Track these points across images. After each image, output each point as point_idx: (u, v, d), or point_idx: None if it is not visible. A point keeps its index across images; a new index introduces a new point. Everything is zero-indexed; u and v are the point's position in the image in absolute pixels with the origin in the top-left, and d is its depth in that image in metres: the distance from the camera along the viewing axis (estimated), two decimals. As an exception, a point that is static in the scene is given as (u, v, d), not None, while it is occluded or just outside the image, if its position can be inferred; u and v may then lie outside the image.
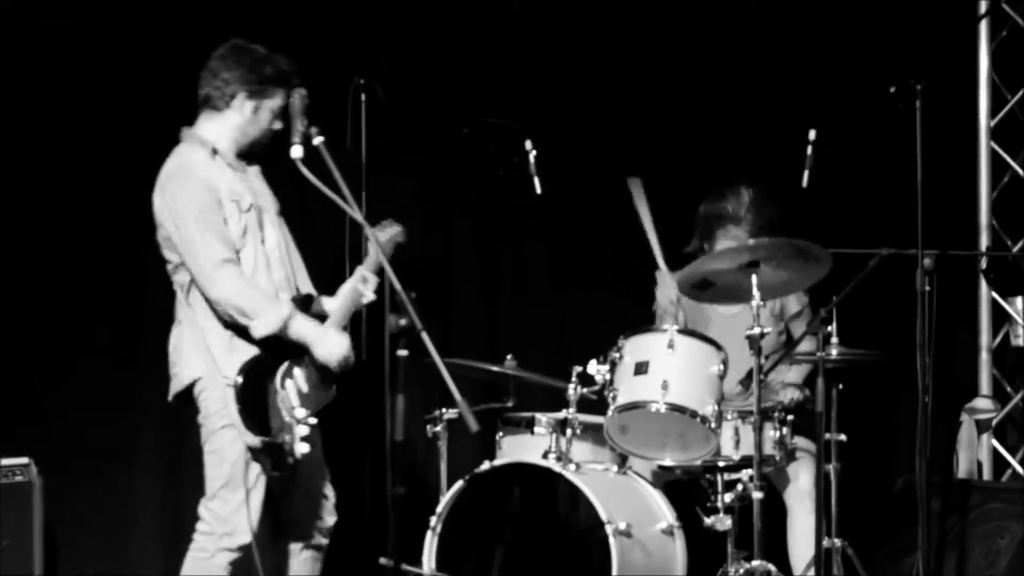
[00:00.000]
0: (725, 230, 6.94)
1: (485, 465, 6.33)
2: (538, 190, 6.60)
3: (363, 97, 6.24)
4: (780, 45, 7.77)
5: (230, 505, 5.81)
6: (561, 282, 7.94)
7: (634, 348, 6.40)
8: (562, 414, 6.43)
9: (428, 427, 6.68)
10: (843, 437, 6.53)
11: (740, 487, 6.37)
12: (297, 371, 5.87)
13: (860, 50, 7.65)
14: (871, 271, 6.42)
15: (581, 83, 7.77)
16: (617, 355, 6.41)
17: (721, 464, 6.41)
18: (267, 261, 5.93)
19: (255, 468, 5.80)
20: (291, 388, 5.84)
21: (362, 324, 6.14)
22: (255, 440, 5.74)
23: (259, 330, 5.77)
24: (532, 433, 6.56)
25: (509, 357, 6.68)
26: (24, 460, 6.59)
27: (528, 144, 6.58)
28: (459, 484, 6.30)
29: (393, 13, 7.52)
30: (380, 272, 5.88)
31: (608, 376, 6.39)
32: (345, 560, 6.80)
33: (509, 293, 7.87)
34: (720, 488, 6.41)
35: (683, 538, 6.39)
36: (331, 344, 5.88)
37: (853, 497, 6.69)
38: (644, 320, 6.85)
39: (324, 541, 6.10)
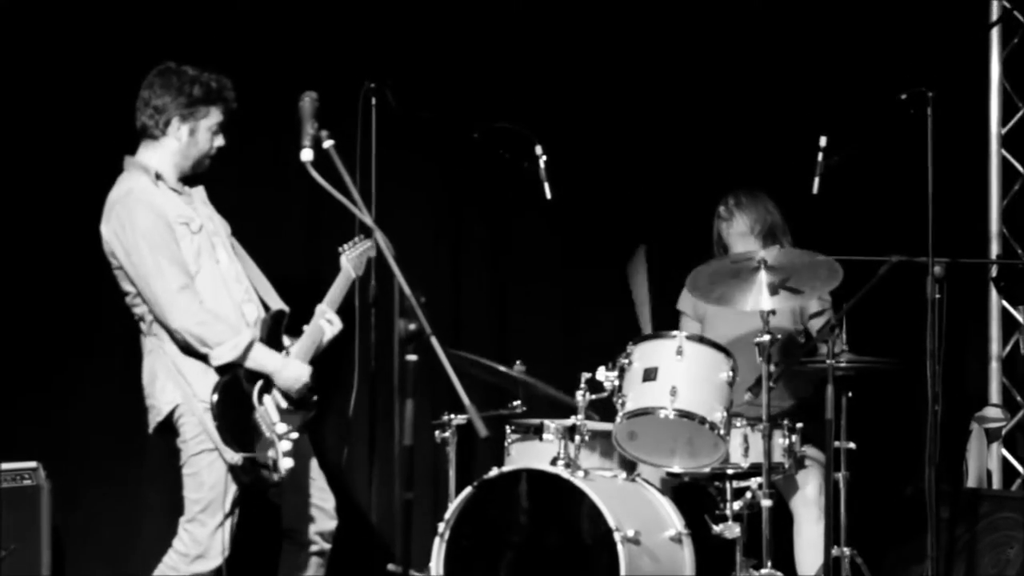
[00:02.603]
0: (733, 243, 6.98)
1: (494, 471, 6.32)
2: (548, 195, 6.59)
3: (373, 101, 6.22)
4: (791, 52, 7.77)
5: (207, 528, 5.81)
6: (570, 287, 7.93)
7: (643, 354, 6.40)
8: (571, 420, 6.42)
9: (437, 433, 6.67)
10: (852, 445, 6.52)
11: (749, 495, 6.36)
12: (276, 388, 5.89)
13: (871, 57, 7.65)
14: (881, 278, 6.40)
15: (590, 88, 7.78)
16: (626, 361, 6.40)
17: (730, 471, 6.40)
18: (224, 281, 5.92)
19: (232, 492, 5.80)
20: (270, 404, 5.85)
21: (371, 329, 6.13)
22: (236, 457, 5.73)
23: (218, 359, 5.77)
24: (541, 439, 6.55)
25: (518, 362, 6.68)
26: (32, 464, 6.59)
27: (539, 149, 6.57)
28: (467, 490, 6.29)
29: (404, 17, 7.52)
30: (360, 282, 6.01)
31: (617, 382, 6.39)
32: (353, 566, 6.80)
33: (518, 298, 7.87)
34: (729, 496, 6.41)
35: (691, 545, 6.37)
36: (291, 374, 5.89)
37: (862, 505, 6.68)
38: (653, 325, 6.85)
39: (326, 546, 6.10)
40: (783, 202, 7.09)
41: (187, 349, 5.80)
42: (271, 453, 5.78)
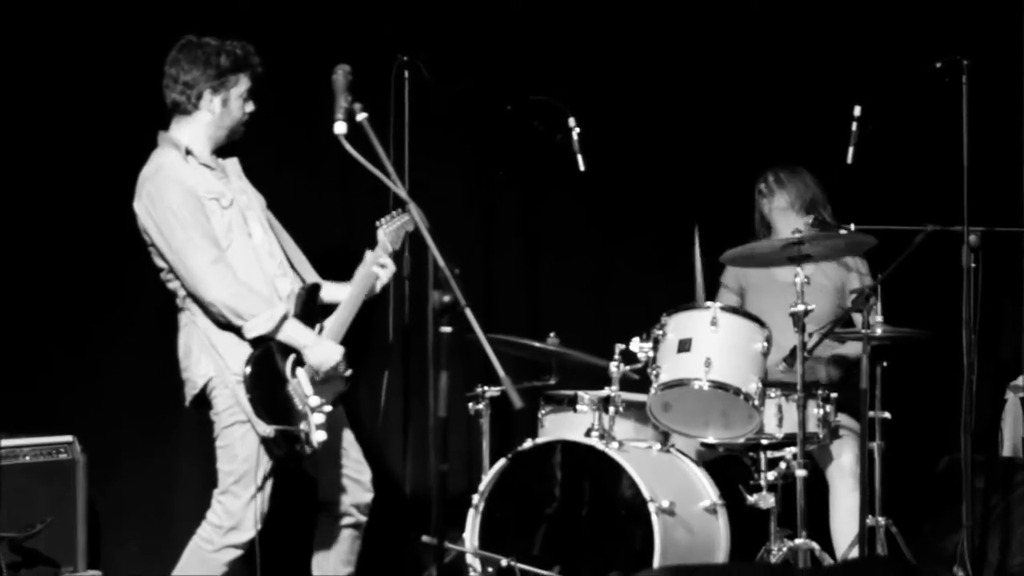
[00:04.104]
0: (775, 219, 7.00)
1: (528, 443, 6.32)
2: (582, 167, 6.59)
3: (406, 74, 6.22)
4: (826, 21, 7.73)
5: (241, 500, 5.82)
6: (604, 260, 7.93)
7: (677, 325, 6.39)
8: (605, 392, 6.42)
9: (471, 405, 6.68)
10: (887, 415, 6.52)
11: (783, 465, 6.36)
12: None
13: (906, 26, 7.61)
14: (916, 248, 6.39)
15: (623, 59, 7.77)
16: (660, 332, 6.40)
17: (764, 442, 6.40)
18: (256, 255, 5.93)
19: (265, 465, 5.81)
20: (303, 376, 5.85)
21: (405, 300, 6.14)
22: (268, 429, 5.73)
23: (252, 331, 5.78)
24: (575, 411, 6.55)
25: (552, 335, 6.67)
26: (68, 438, 6.61)
27: (572, 121, 6.58)
28: (502, 462, 6.30)
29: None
30: (395, 256, 5.98)
31: (651, 353, 6.38)
32: (388, 538, 6.82)
33: (552, 271, 7.87)
34: (763, 466, 6.40)
35: (726, 516, 6.37)
36: (323, 353, 5.88)
37: (897, 475, 6.67)
38: (687, 297, 6.83)
39: (362, 518, 6.11)
40: (818, 172, 7.07)
41: (221, 322, 5.81)
42: (303, 426, 5.79)
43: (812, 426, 6.42)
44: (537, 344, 6.65)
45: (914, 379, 7.18)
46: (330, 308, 6.03)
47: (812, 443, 6.45)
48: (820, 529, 6.59)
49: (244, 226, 5.93)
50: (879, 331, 6.37)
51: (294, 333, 5.85)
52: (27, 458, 6.50)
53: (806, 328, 6.25)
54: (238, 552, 5.84)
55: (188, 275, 5.78)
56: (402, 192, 5.25)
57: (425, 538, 6.04)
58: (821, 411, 6.48)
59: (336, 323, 5.99)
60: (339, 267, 6.12)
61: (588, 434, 6.34)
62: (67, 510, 6.55)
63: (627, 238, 7.86)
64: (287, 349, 5.85)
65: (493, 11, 7.61)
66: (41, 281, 7.00)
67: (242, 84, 5.95)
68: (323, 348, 5.89)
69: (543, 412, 6.69)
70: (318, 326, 5.97)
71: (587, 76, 7.62)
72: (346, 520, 6.09)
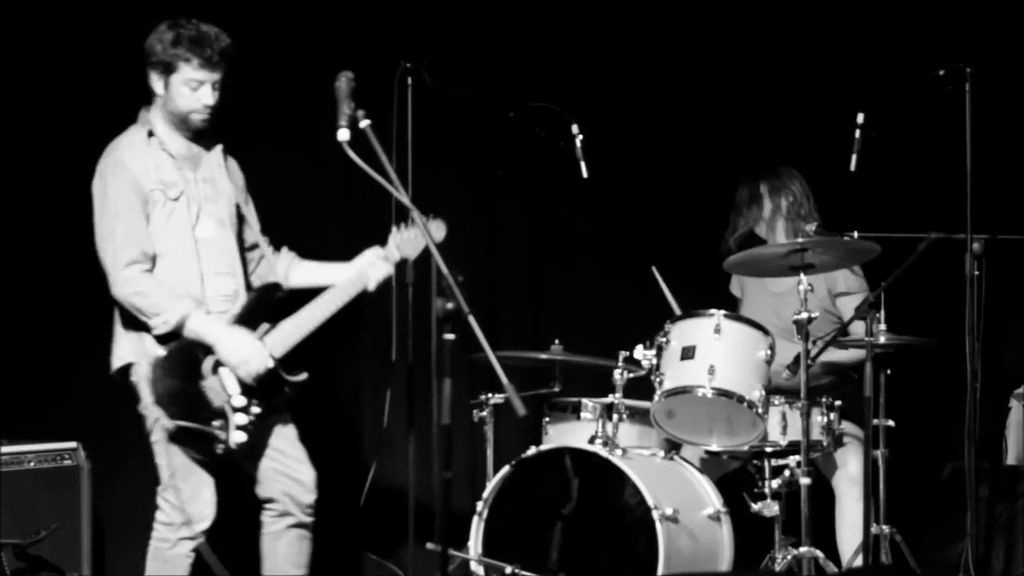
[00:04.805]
0: (761, 226, 7.00)
1: (531, 450, 6.33)
2: (585, 174, 6.59)
3: (409, 81, 6.22)
4: (830, 28, 7.73)
5: (184, 493, 5.84)
6: (608, 267, 7.93)
7: (681, 333, 6.39)
8: (608, 399, 6.42)
9: (474, 412, 6.68)
10: (891, 423, 6.50)
11: (787, 473, 6.36)
12: None
13: (909, 33, 7.61)
14: (920, 255, 6.38)
15: (626, 66, 7.78)
16: (664, 340, 6.40)
17: (768, 450, 6.39)
18: (195, 249, 5.90)
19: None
20: (227, 376, 5.83)
21: (408, 308, 6.13)
22: (170, 423, 5.75)
23: (158, 328, 5.79)
24: (578, 418, 6.56)
25: (556, 342, 6.68)
26: (72, 444, 6.61)
27: (575, 128, 6.58)
28: (505, 469, 6.30)
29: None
30: (403, 262, 5.99)
31: (655, 361, 6.38)
32: (392, 545, 6.83)
33: (555, 278, 7.88)
34: (767, 474, 6.40)
35: (730, 524, 6.37)
36: (234, 345, 5.84)
37: (901, 483, 6.66)
38: (691, 305, 6.83)
39: (306, 519, 6.06)
40: (821, 179, 7.08)
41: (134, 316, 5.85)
42: (219, 424, 5.79)
43: (816, 434, 6.42)
44: (542, 355, 6.65)
45: (918, 387, 7.18)
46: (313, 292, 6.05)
47: (816, 451, 6.45)
48: (824, 537, 6.59)
49: (188, 219, 5.89)
50: (883, 339, 6.36)
51: (200, 328, 5.81)
52: (31, 464, 6.50)
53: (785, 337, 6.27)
54: (197, 541, 5.86)
55: (103, 264, 5.81)
56: (405, 199, 5.25)
57: (429, 545, 6.04)
58: (825, 419, 6.48)
59: (307, 317, 5.97)
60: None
61: (592, 441, 6.33)
62: (71, 516, 6.55)
63: (630, 244, 7.85)
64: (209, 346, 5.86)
65: (495, 18, 7.61)
66: (43, 286, 7.00)
67: (184, 70, 5.81)
68: (233, 341, 5.84)
69: (547, 419, 6.70)
70: (265, 325, 5.94)
71: (590, 83, 7.62)
72: (289, 520, 6.04)
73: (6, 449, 6.42)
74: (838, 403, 6.53)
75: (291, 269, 6.19)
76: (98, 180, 5.83)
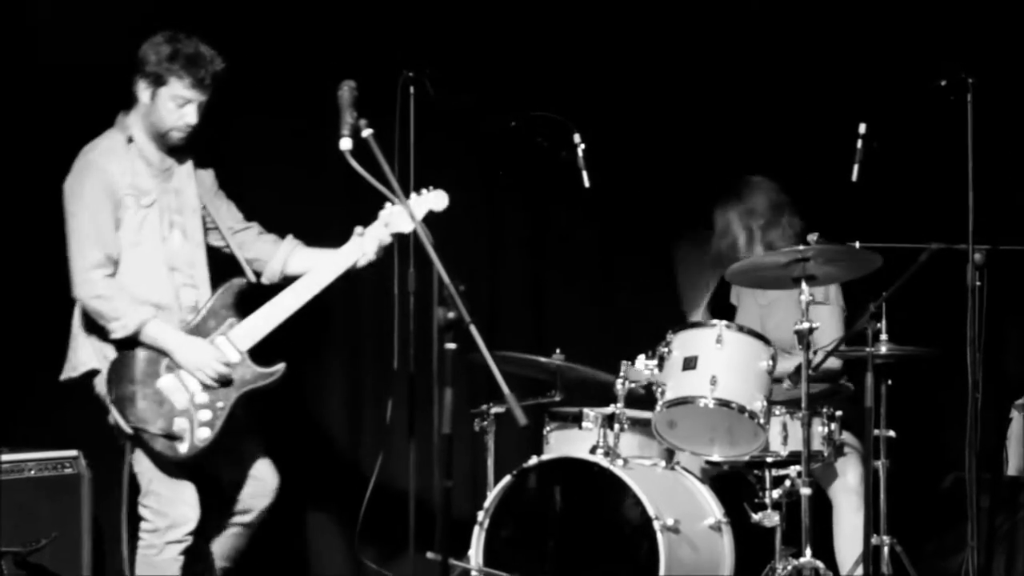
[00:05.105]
0: (752, 231, 7.01)
1: (533, 460, 6.32)
2: (587, 183, 6.59)
3: (411, 90, 6.23)
4: (832, 39, 7.73)
5: (164, 497, 5.88)
6: (609, 276, 7.93)
7: (683, 343, 6.39)
8: (610, 409, 6.41)
9: (475, 421, 6.68)
10: (892, 433, 6.49)
11: (788, 483, 6.35)
12: None
13: (911, 44, 7.61)
14: (921, 266, 6.37)
15: (628, 75, 7.78)
16: (665, 350, 6.39)
17: (769, 460, 6.39)
18: (166, 259, 5.96)
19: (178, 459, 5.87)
20: (187, 375, 5.87)
21: (410, 318, 6.13)
22: (127, 426, 5.79)
23: (116, 332, 5.83)
24: (580, 428, 6.56)
25: (557, 351, 6.67)
26: (73, 453, 6.60)
27: (577, 137, 6.58)
28: (506, 479, 6.29)
29: (441, 5, 7.52)
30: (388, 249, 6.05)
31: (656, 371, 6.38)
32: (393, 554, 6.82)
33: (557, 287, 7.87)
34: (768, 484, 6.39)
35: (731, 534, 6.37)
36: (189, 353, 5.89)
37: (902, 494, 6.65)
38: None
39: (254, 520, 6.12)
40: (823, 189, 7.08)
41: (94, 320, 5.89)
42: (182, 423, 5.82)
43: (817, 444, 6.42)
44: (542, 360, 6.65)
45: (919, 397, 7.17)
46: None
47: (817, 461, 6.44)
48: (824, 547, 6.58)
49: (160, 228, 5.95)
50: (884, 349, 6.36)
51: (157, 335, 5.85)
52: (32, 472, 6.50)
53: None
54: (184, 544, 5.89)
55: (71, 266, 5.86)
56: (407, 208, 5.26)
57: (430, 555, 6.03)
58: (826, 429, 6.48)
59: (278, 307, 6.01)
60: (341, 278, 6.13)
61: (593, 451, 6.33)
62: (72, 525, 6.54)
63: (632, 254, 7.85)
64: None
65: (497, 27, 7.62)
66: (44, 294, 6.98)
67: (174, 86, 5.86)
68: (188, 350, 5.88)
69: (548, 429, 6.69)
70: (231, 320, 5.98)
71: (592, 92, 7.62)
72: (237, 519, 6.09)
73: (6, 457, 6.42)
74: (839, 413, 6.53)
75: (292, 255, 6.21)
76: (71, 179, 5.88)
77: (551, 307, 7.86)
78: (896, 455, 6.56)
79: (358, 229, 6.10)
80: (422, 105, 6.26)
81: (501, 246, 7.83)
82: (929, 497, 7.32)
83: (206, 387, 5.87)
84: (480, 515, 6.27)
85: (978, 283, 6.41)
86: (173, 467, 5.86)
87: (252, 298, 6.10)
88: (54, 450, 6.56)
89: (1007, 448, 7.47)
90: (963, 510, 6.45)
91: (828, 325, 6.70)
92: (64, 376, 5.98)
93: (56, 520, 6.48)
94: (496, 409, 6.65)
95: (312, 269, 6.06)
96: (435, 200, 6.10)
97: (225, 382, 5.91)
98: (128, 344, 5.85)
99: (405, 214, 5.98)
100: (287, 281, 6.12)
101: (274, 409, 7.44)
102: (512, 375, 5.74)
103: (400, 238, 6.13)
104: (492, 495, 6.29)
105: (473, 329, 4.81)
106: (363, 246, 6.07)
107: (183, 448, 5.83)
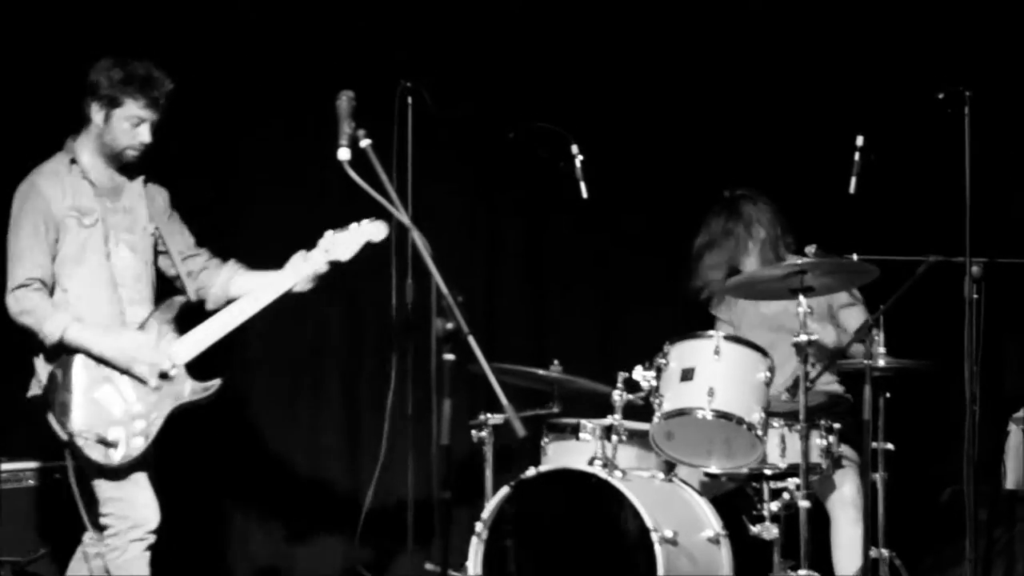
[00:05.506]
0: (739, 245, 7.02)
1: (531, 471, 6.31)
2: (584, 194, 6.60)
3: (409, 100, 6.24)
4: (830, 51, 7.75)
5: (120, 502, 5.93)
6: (607, 287, 7.93)
7: (680, 354, 6.38)
8: (608, 420, 6.41)
9: (473, 432, 6.67)
10: (890, 446, 6.49)
11: (786, 495, 6.34)
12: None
13: (909, 57, 7.62)
14: (919, 279, 6.38)
15: (626, 86, 7.80)
16: (663, 361, 6.39)
17: (767, 472, 6.38)
18: (109, 276, 6.02)
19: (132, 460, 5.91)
20: (125, 384, 5.93)
21: (408, 329, 6.14)
22: (63, 434, 5.85)
23: (47, 341, 5.92)
24: (578, 439, 6.54)
25: (555, 362, 6.67)
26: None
27: (575, 148, 6.59)
28: (505, 490, 6.29)
29: (439, 17, 7.54)
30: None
31: (654, 382, 6.37)
32: (391, 566, 6.81)
33: (554, 298, 7.88)
34: (766, 496, 6.38)
35: (729, 546, 6.36)
36: (117, 344, 5.94)
37: (900, 507, 6.65)
38: (690, 326, 6.83)
39: (150, 538, 6.05)
40: (820, 201, 7.09)
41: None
42: (117, 432, 5.87)
43: (815, 456, 6.41)
44: (540, 372, 6.65)
45: (917, 410, 7.17)
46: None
47: (815, 473, 6.43)
48: (822, 560, 6.57)
49: (103, 247, 6.02)
50: (882, 362, 6.36)
51: (79, 336, 5.91)
52: (30, 482, 6.50)
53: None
54: (147, 541, 5.93)
55: (7, 280, 5.94)
56: (405, 218, 5.24)
57: (428, 566, 6.03)
58: (824, 441, 6.47)
59: (218, 324, 6.07)
60: (340, 290, 6.12)
61: (591, 463, 6.32)
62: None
63: (630, 265, 7.86)
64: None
65: (495, 38, 7.63)
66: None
67: (129, 108, 5.98)
68: (115, 342, 5.94)
69: (546, 440, 6.68)
70: (170, 336, 6.02)
71: (591, 103, 7.63)
72: (135, 535, 6.01)
73: (6, 466, 6.41)
74: (837, 426, 6.52)
75: (233, 279, 6.27)
76: (15, 201, 6.00)
77: (549, 318, 7.87)
78: (894, 468, 6.56)
79: (301, 253, 6.15)
80: (420, 115, 6.27)
81: (499, 257, 7.83)
82: (927, 510, 7.31)
83: (143, 397, 5.92)
84: (478, 526, 6.26)
85: (976, 296, 6.41)
86: (121, 473, 5.91)
87: (190, 318, 6.16)
88: (52, 460, 6.56)
89: (1005, 461, 7.48)
90: (961, 523, 6.45)
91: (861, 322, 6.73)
92: (31, 394, 6.05)
93: (54, 529, 6.48)
94: (494, 420, 6.64)
95: (253, 289, 6.14)
96: (374, 231, 6.17)
97: (163, 375, 5.96)
98: (65, 351, 5.92)
99: (345, 242, 6.14)
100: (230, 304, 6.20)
101: (269, 420, 7.50)
102: (510, 386, 5.73)
103: (403, 251, 6.15)
104: (490, 506, 6.28)
105: (472, 340, 4.81)
106: (301, 271, 6.14)
107: (117, 456, 5.89)
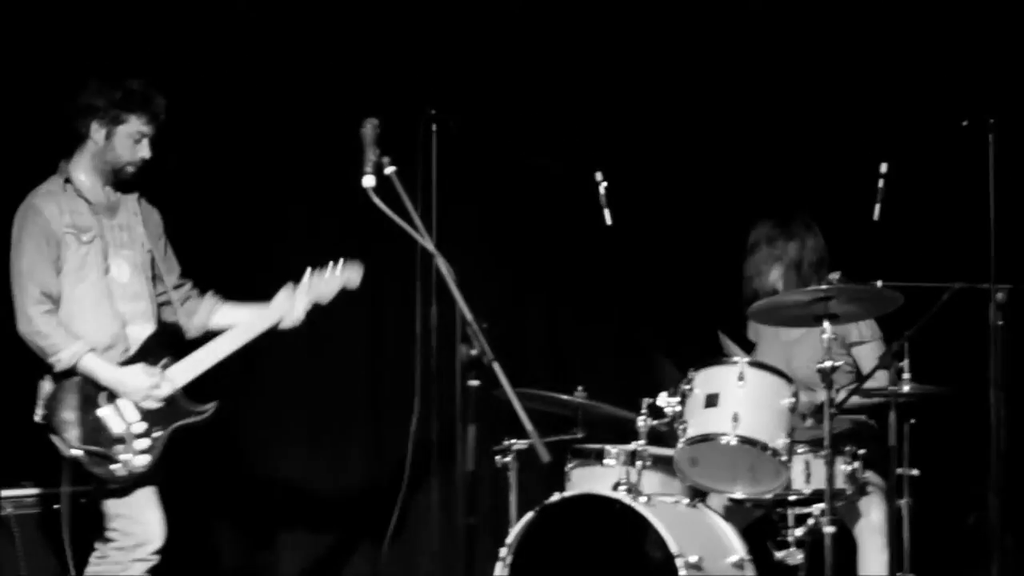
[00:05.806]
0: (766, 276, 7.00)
1: (555, 496, 6.32)
2: (608, 221, 6.61)
3: (434, 128, 6.26)
4: (854, 77, 7.76)
5: (127, 518, 6.02)
6: (630, 314, 7.93)
7: (704, 380, 6.39)
8: (632, 446, 6.41)
9: (498, 458, 6.68)
10: (916, 472, 6.48)
11: (811, 521, 6.33)
12: None
13: (933, 85, 7.62)
14: (944, 305, 6.37)
15: (651, 114, 7.80)
16: (687, 387, 6.39)
17: (792, 498, 6.37)
18: (109, 292, 6.10)
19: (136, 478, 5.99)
20: (125, 403, 6.02)
21: (432, 355, 6.15)
22: (67, 450, 5.92)
23: (57, 366, 6.00)
24: (602, 464, 6.55)
25: (580, 388, 6.68)
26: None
27: (599, 175, 6.60)
28: (529, 515, 6.29)
29: (464, 44, 7.57)
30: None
31: (678, 408, 6.37)
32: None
33: (579, 325, 7.88)
34: (791, 522, 6.38)
35: (754, 572, 6.35)
36: (128, 382, 6.04)
37: (926, 532, 6.63)
38: (714, 352, 6.84)
39: (153, 560, 6.12)
40: (844, 228, 7.09)
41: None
42: (121, 450, 5.96)
43: (840, 482, 6.40)
44: (564, 397, 6.66)
45: (942, 436, 7.15)
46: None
47: (840, 499, 6.42)
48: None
49: (102, 263, 6.10)
50: (907, 388, 6.35)
51: (94, 368, 6.00)
52: (55, 506, 6.51)
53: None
54: (150, 563, 6.02)
55: (14, 302, 6.03)
56: (429, 245, 5.27)
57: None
58: (849, 467, 6.46)
59: (211, 352, 6.21)
60: (364, 315, 6.14)
61: (615, 488, 6.33)
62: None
63: (654, 292, 7.86)
64: None
65: (520, 65, 7.66)
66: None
67: (132, 124, 6.10)
68: (128, 381, 6.03)
69: (570, 466, 6.68)
70: (165, 359, 6.13)
71: (615, 130, 7.65)
72: (140, 554, 6.09)
73: (6, 493, 6.44)
74: (862, 451, 6.52)
75: (214, 311, 6.41)
76: (15, 223, 6.09)
77: (573, 345, 7.88)
78: (920, 494, 6.54)
79: (290, 285, 6.26)
80: (445, 143, 6.29)
81: (523, 283, 7.85)
82: (953, 536, 7.29)
83: (145, 416, 6.02)
84: (503, 551, 6.26)
85: (1000, 322, 6.40)
86: (127, 489, 6.00)
87: (183, 342, 6.30)
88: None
89: (1030, 487, 7.46)
90: (987, 549, 6.43)
91: (872, 362, 6.71)
92: (38, 417, 6.10)
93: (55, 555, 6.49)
94: (519, 445, 6.65)
95: (244, 321, 6.28)
96: (349, 276, 6.26)
97: (164, 412, 6.08)
98: (67, 372, 6.01)
99: (325, 284, 6.33)
100: (208, 336, 6.31)
101: (291, 447, 7.51)
102: (534, 411, 5.75)
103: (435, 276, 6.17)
104: (514, 531, 6.29)
105: (496, 366, 4.82)
106: (283, 307, 6.27)
107: (121, 472, 5.96)
